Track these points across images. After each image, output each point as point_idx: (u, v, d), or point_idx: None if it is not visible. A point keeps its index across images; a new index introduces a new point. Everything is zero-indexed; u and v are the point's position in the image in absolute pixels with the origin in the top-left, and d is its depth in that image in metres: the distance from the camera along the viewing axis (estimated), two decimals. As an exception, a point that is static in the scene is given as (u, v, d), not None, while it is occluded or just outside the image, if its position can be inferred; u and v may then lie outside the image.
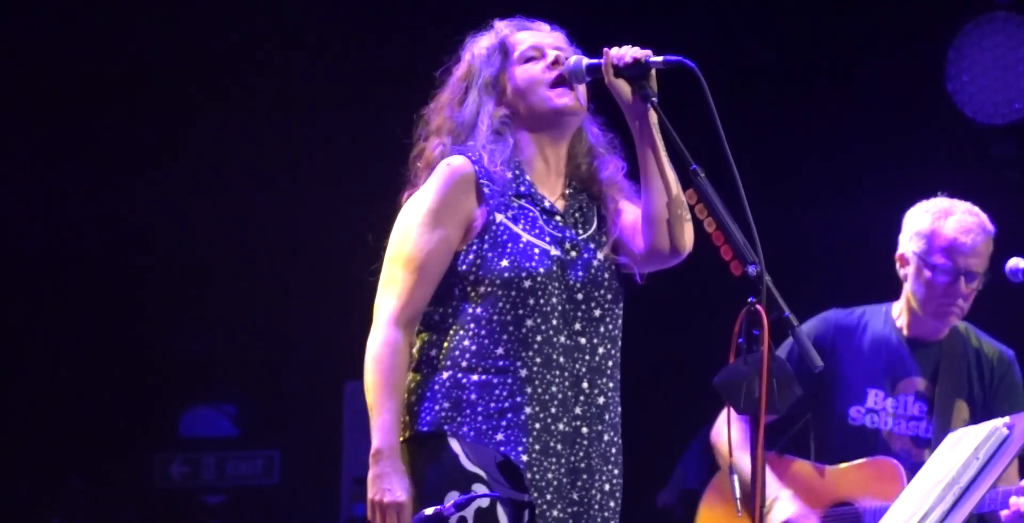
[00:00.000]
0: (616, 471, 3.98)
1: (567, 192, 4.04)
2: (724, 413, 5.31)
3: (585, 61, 3.95)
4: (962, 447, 3.87)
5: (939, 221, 5.18)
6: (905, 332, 5.27)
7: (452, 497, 3.77)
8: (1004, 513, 4.94)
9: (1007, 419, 3.85)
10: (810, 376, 3.72)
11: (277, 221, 7.92)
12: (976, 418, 5.19)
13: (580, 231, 4.01)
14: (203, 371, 8.43)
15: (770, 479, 5.27)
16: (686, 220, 3.93)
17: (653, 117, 3.88)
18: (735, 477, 3.76)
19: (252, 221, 7.93)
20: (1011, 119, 7.37)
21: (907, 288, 5.25)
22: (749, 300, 3.60)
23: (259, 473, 8.44)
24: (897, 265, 5.28)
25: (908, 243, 5.23)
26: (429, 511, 3.68)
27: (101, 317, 8.22)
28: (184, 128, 7.91)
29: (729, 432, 3.92)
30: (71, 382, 8.22)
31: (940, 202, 5.25)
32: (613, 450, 3.97)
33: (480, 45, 4.05)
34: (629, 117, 3.91)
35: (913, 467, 5.09)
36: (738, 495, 3.70)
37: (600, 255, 3.99)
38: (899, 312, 5.29)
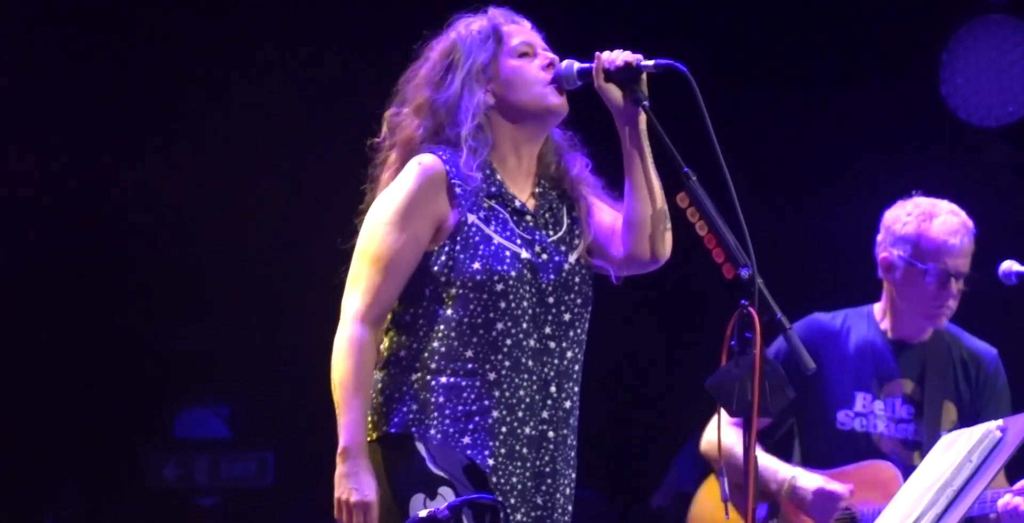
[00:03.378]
0: (573, 475, 4.00)
1: (537, 191, 4.02)
2: (713, 421, 5.30)
3: (576, 65, 3.94)
4: (955, 450, 3.86)
5: (924, 224, 5.16)
6: (890, 334, 5.27)
7: (419, 499, 3.79)
8: (1001, 502, 4.90)
9: (1000, 421, 3.84)
10: (796, 380, 3.72)
11: (272, 221, 7.91)
12: (964, 419, 5.19)
13: (550, 232, 3.99)
14: (197, 372, 8.41)
15: (780, 463, 5.27)
16: (667, 228, 3.93)
17: (643, 123, 3.88)
18: (724, 479, 3.77)
19: (247, 220, 7.91)
20: (1005, 121, 7.37)
21: (893, 291, 5.24)
22: (741, 303, 3.60)
23: (253, 475, 8.42)
24: (880, 269, 5.27)
25: (892, 247, 5.21)
26: (423, 513, 3.67)
27: (95, 318, 8.20)
28: (180, 122, 7.89)
29: (719, 434, 3.93)
30: (65, 382, 8.21)
31: (920, 203, 5.22)
32: (572, 454, 3.99)
33: (472, 27, 4.00)
34: (619, 122, 3.91)
35: (903, 470, 5.10)
36: (728, 496, 3.71)
37: (571, 258, 3.98)
38: (882, 314, 5.28)
